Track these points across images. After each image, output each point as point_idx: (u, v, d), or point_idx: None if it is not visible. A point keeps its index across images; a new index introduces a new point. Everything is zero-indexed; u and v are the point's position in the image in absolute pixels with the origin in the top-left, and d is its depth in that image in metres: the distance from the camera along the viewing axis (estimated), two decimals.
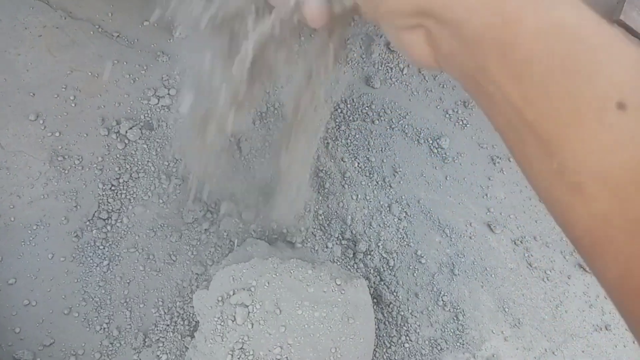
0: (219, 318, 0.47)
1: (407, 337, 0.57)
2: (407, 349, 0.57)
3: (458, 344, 0.58)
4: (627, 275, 0.21)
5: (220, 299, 0.48)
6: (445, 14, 0.23)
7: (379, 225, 0.61)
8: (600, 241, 0.21)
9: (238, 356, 0.46)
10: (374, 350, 0.54)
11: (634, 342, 0.63)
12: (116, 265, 0.54)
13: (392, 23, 0.26)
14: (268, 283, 0.49)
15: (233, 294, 0.48)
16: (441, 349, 0.57)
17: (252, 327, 0.47)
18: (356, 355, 0.49)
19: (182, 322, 0.53)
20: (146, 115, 0.61)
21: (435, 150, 0.67)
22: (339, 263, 0.59)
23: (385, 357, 0.55)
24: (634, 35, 0.65)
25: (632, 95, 0.20)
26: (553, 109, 0.22)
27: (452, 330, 0.58)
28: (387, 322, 0.58)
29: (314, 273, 0.50)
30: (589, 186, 0.21)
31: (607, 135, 0.21)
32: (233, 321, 0.47)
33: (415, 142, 0.67)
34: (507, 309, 0.61)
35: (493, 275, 0.62)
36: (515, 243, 0.64)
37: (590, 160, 0.21)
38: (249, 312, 0.47)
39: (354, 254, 0.60)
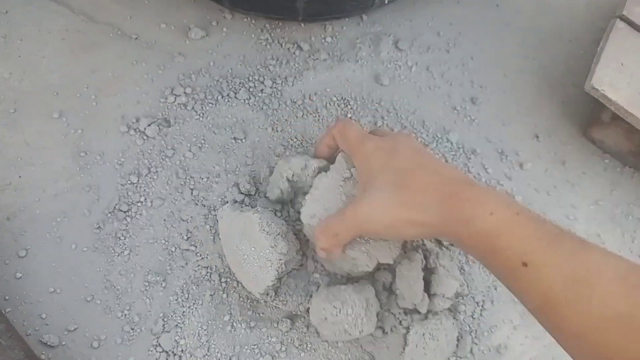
0: None
1: None
2: None
3: (469, 332, 0.59)
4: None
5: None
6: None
7: None
8: None
9: None
10: None
11: None
12: (136, 255, 0.56)
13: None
14: None
15: None
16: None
17: None
18: None
19: (197, 310, 0.55)
20: (164, 112, 0.64)
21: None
22: None
23: (397, 343, 0.56)
24: (637, 29, 0.66)
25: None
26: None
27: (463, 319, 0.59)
28: None
29: None
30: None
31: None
32: None
33: (424, 137, 0.68)
34: (517, 299, 0.62)
35: None
36: None
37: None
38: None
39: None
